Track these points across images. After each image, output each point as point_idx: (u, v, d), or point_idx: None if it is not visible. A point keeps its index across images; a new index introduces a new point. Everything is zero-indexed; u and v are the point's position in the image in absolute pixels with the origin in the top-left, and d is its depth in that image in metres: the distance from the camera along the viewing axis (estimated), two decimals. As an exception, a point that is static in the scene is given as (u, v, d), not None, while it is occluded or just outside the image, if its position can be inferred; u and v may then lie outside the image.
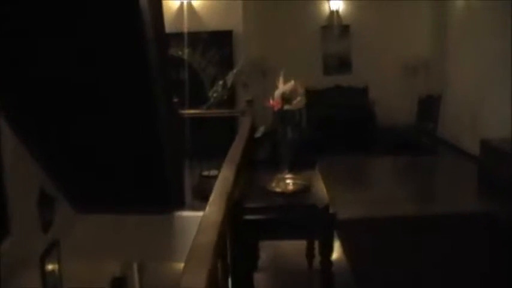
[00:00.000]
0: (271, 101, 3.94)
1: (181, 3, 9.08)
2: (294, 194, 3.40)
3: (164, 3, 8.91)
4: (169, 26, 8.92)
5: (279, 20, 11.09)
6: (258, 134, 4.41)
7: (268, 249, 4.64)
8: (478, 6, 8.15)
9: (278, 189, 3.44)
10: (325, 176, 7.41)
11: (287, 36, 11.10)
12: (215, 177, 3.20)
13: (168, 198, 5.33)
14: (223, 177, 2.96)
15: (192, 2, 9.10)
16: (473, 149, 7.52)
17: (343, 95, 11.03)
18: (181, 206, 5.55)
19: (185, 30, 8.75)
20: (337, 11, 11.26)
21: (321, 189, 3.56)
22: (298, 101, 3.98)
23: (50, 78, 4.29)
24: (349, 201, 6.47)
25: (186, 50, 8.61)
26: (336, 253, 4.33)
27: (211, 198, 2.47)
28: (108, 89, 4.52)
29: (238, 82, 6.62)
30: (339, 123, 10.03)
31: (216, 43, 8.85)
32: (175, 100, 6.48)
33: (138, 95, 4.75)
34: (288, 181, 3.59)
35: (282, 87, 3.93)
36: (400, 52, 10.94)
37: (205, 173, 6.32)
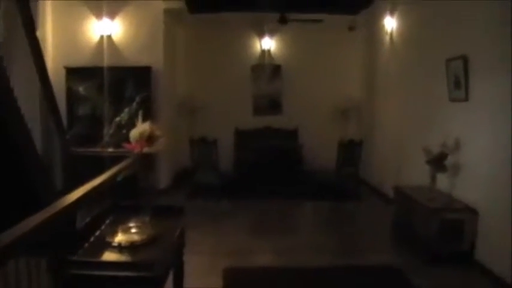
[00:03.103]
0: (129, 144, 3.55)
1: (101, 37, 8.72)
2: (129, 247, 2.98)
3: (84, 36, 8.75)
4: (88, 59, 8.65)
5: (208, 58, 10.86)
6: (119, 178, 4.00)
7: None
8: (403, 51, 8.04)
9: (115, 241, 3.02)
10: (240, 222, 7.21)
11: (217, 75, 10.88)
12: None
13: None
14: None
15: (113, 35, 8.76)
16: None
17: (272, 137, 10.77)
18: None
19: (104, 64, 8.38)
20: (268, 50, 11.06)
21: (167, 241, 3.16)
22: (159, 144, 3.62)
23: None
24: (258, 249, 6.14)
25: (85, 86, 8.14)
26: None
27: None
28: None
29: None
30: (266, 166, 9.72)
31: (133, 79, 8.44)
32: (67, 137, 6.09)
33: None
34: (133, 230, 3.19)
35: (140, 127, 3.55)
36: (331, 95, 10.82)
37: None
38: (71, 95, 8.29)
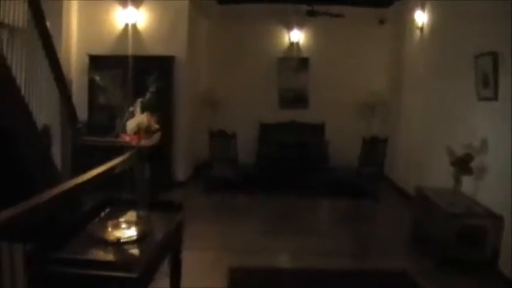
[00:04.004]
0: (127, 136, 3.39)
1: (126, 25, 8.65)
2: (115, 244, 2.82)
3: (109, 24, 8.69)
4: (112, 48, 8.59)
5: (234, 49, 10.68)
6: (117, 171, 3.86)
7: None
8: (432, 46, 7.72)
9: (101, 237, 2.88)
10: (254, 219, 7.03)
11: (242, 67, 10.69)
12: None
13: None
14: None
15: (137, 24, 8.68)
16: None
17: (298, 131, 10.53)
18: None
19: (129, 53, 8.28)
20: (297, 43, 10.82)
21: (156, 239, 3.01)
22: (155, 137, 3.46)
23: None
24: (269, 248, 5.95)
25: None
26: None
27: None
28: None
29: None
30: (289, 162, 9.50)
31: (155, 68, 8.30)
32: (79, 126, 6.01)
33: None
34: (124, 226, 3.05)
35: (137, 118, 3.39)
36: (358, 90, 10.52)
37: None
38: (93, 83, 8.22)
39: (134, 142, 3.40)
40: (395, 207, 7.97)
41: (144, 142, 3.40)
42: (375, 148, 8.25)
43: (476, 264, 5.14)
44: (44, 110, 5.60)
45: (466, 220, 5.16)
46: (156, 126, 3.44)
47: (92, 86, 8.23)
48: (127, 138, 3.40)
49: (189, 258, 5.20)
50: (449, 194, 5.77)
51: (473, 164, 5.49)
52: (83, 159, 5.78)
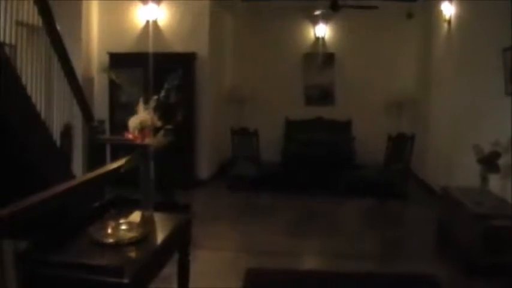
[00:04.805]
0: (131, 134, 3.28)
1: (147, 22, 8.59)
2: (113, 246, 2.70)
3: (130, 21, 8.64)
4: (132, 45, 8.55)
5: (258, 46, 10.56)
6: (122, 170, 3.75)
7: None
8: (460, 39, 7.42)
9: (100, 239, 2.76)
10: (275, 219, 6.87)
11: (267, 63, 10.57)
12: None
13: None
14: None
15: (158, 20, 8.60)
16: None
17: (324, 128, 10.35)
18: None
19: (150, 50, 8.21)
20: (322, 38, 10.61)
21: (155, 242, 2.89)
22: (160, 137, 3.34)
23: None
24: (290, 249, 5.77)
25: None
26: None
27: None
28: None
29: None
30: (315, 159, 9.26)
31: (177, 66, 8.21)
32: (94, 125, 5.95)
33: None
34: (124, 227, 2.94)
35: (139, 115, 3.28)
36: (385, 86, 10.26)
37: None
38: (113, 81, 8.15)
39: (138, 141, 3.29)
40: (424, 207, 7.66)
41: (149, 141, 3.29)
42: (401, 145, 7.99)
43: (504, 268, 4.86)
44: (65, 109, 5.62)
45: (493, 221, 4.87)
46: (159, 123, 3.32)
47: (113, 84, 8.18)
48: (130, 137, 3.29)
49: (206, 259, 5.13)
50: (476, 193, 5.49)
51: (500, 162, 5.23)
52: (98, 157, 5.75)
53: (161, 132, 3.35)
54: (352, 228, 6.75)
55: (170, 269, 3.18)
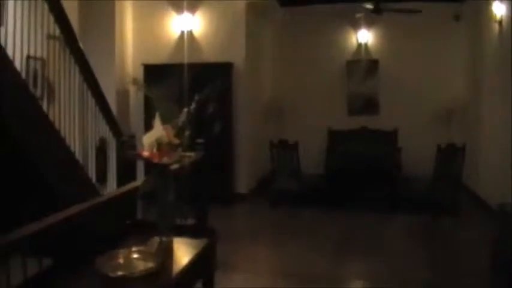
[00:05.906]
0: (145, 152, 2.96)
1: (182, 32, 8.35)
2: (120, 280, 2.37)
3: (165, 31, 8.43)
4: (168, 56, 8.33)
5: (298, 54, 10.23)
6: (140, 193, 3.43)
7: None
8: (510, 42, 6.86)
9: (106, 271, 2.44)
10: (316, 238, 6.42)
11: (308, 72, 10.22)
12: None
13: None
14: None
15: (193, 31, 8.36)
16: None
17: (369, 139, 9.84)
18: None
19: (185, 60, 7.98)
20: (365, 44, 10.16)
21: (170, 274, 2.54)
22: (178, 155, 2.99)
23: None
24: (330, 272, 5.33)
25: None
26: None
27: None
28: None
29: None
30: (360, 172, 8.74)
31: (213, 76, 7.94)
32: (123, 139, 5.69)
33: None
34: (136, 256, 2.62)
35: (155, 132, 2.95)
36: (433, 93, 9.75)
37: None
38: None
39: (155, 160, 2.95)
40: (478, 224, 7.03)
41: (167, 160, 2.95)
42: (451, 156, 7.44)
43: None
44: (100, 123, 5.49)
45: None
46: (177, 141, 2.98)
47: (148, 97, 7.95)
48: (146, 155, 2.97)
49: (239, 284, 4.75)
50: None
51: None
52: (128, 173, 5.51)
53: (179, 151, 3.00)
54: (399, 249, 6.21)
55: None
